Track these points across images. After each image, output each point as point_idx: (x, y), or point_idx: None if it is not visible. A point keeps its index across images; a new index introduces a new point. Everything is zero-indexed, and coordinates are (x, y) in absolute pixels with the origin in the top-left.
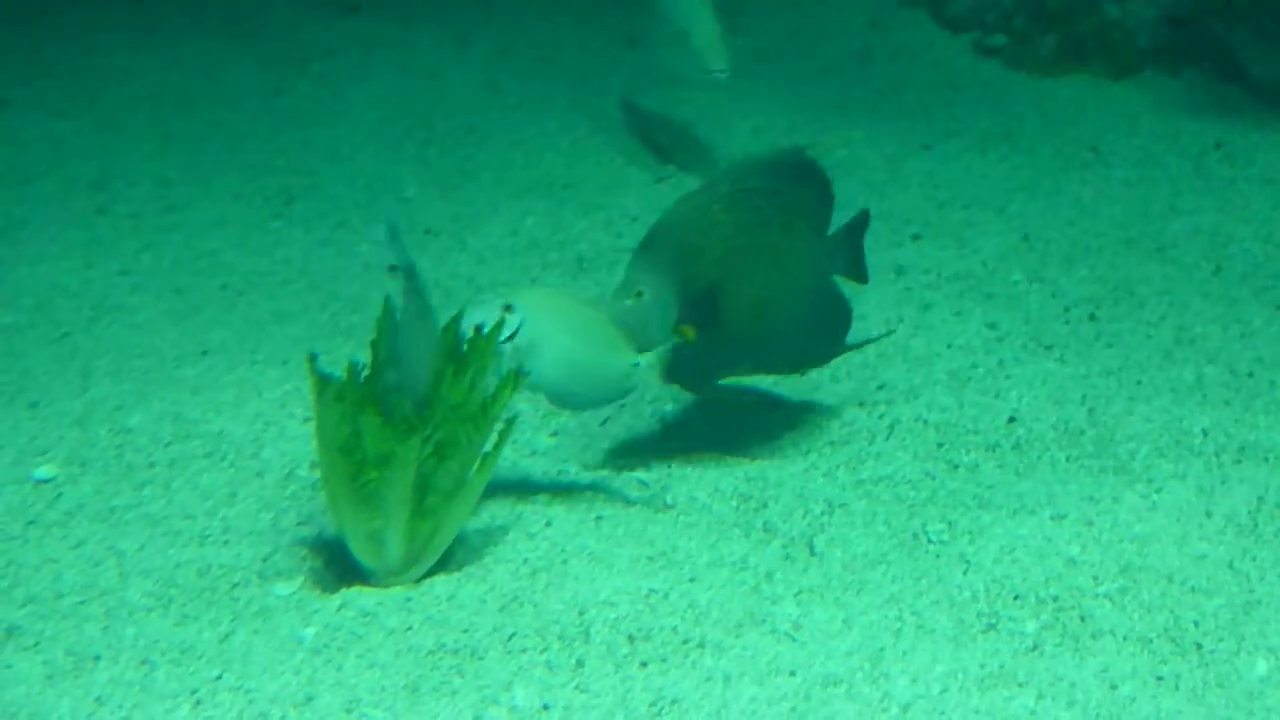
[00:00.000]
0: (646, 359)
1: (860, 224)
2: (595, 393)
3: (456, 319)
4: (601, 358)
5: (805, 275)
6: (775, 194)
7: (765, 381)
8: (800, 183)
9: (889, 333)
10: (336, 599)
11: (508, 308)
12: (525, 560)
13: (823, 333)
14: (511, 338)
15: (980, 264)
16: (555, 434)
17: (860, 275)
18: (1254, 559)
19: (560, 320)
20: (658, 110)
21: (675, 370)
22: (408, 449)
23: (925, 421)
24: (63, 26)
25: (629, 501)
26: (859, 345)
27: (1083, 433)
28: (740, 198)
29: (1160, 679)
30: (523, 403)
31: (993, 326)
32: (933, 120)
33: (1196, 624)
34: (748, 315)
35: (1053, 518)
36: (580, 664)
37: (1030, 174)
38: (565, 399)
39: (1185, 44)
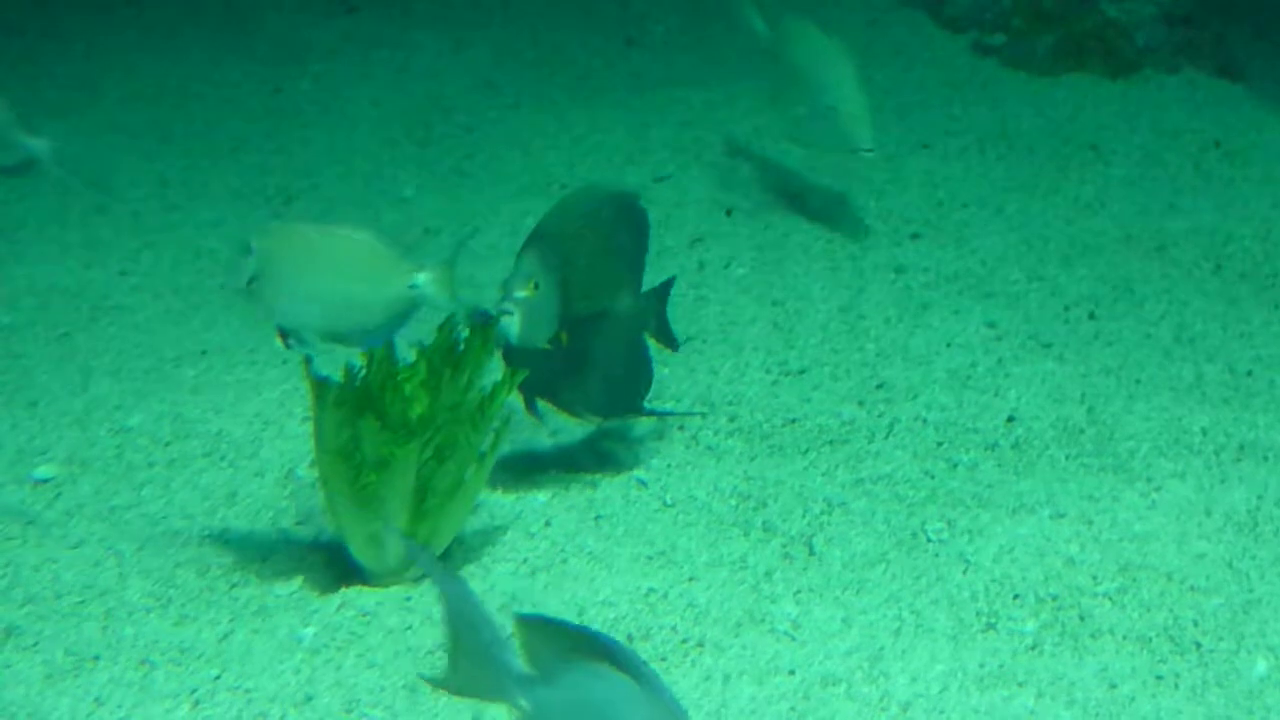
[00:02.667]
0: (425, 277)
1: (666, 290)
2: (368, 324)
3: (451, 319)
4: (361, 286)
5: (625, 320)
6: (613, 230)
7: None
8: (628, 227)
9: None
10: (336, 598)
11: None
12: (525, 560)
13: (627, 386)
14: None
15: (979, 263)
16: (554, 433)
17: (669, 342)
18: (1253, 558)
19: (304, 254)
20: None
21: (527, 384)
22: (407, 453)
23: (924, 420)
24: (62, 26)
25: (628, 500)
26: (657, 414)
27: (1082, 431)
28: (593, 220)
29: (1160, 678)
30: (518, 401)
31: (992, 325)
32: (931, 119)
33: (1196, 623)
34: (586, 337)
35: (1052, 517)
36: None
37: (1029, 173)
38: (336, 336)
39: (1184, 43)
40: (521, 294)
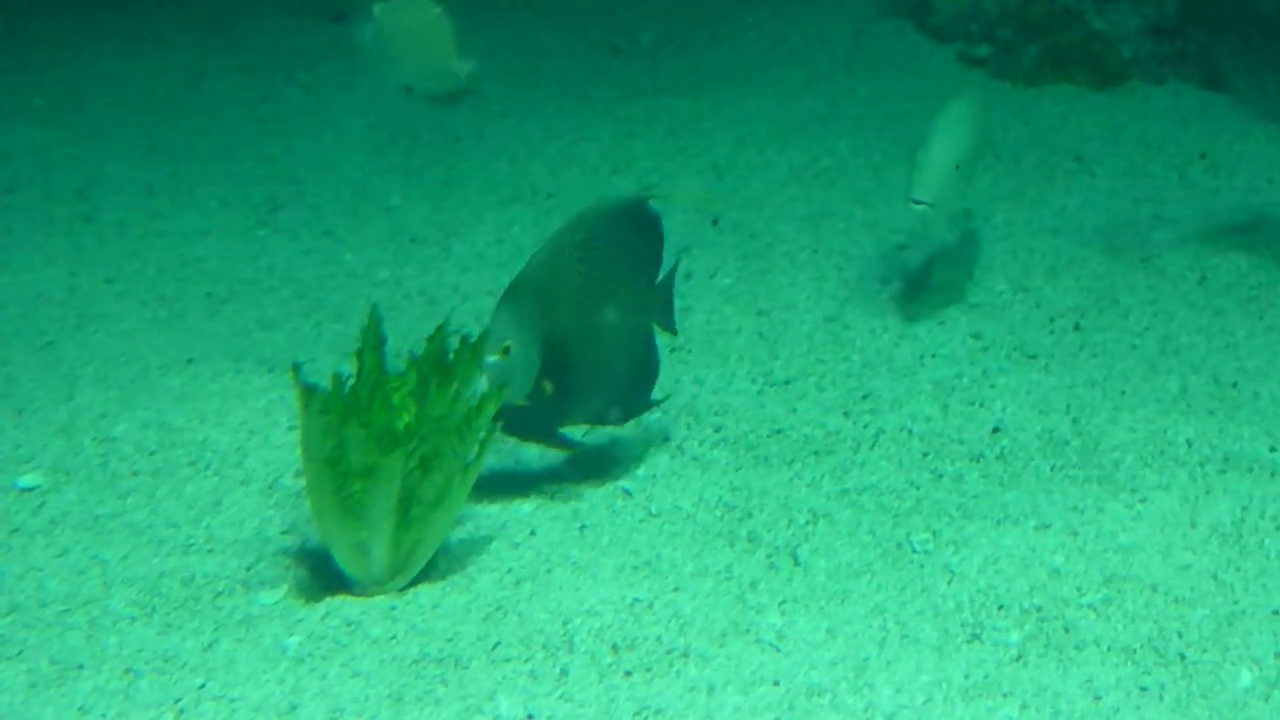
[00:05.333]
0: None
1: (672, 278)
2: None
3: (441, 329)
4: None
5: (637, 327)
6: (620, 245)
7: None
8: (639, 233)
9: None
10: (321, 608)
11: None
12: (509, 569)
13: (639, 386)
14: None
15: (965, 274)
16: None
17: (670, 326)
18: (1238, 569)
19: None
20: None
21: (514, 423)
22: (392, 462)
23: (910, 431)
24: (48, 34)
25: (613, 510)
26: (660, 402)
27: (1067, 443)
28: (591, 248)
29: (1144, 690)
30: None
31: (977, 336)
32: (918, 130)
33: (1180, 634)
34: (592, 367)
35: (1037, 528)
36: (564, 673)
37: (1015, 184)
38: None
39: (1170, 54)
40: (492, 359)
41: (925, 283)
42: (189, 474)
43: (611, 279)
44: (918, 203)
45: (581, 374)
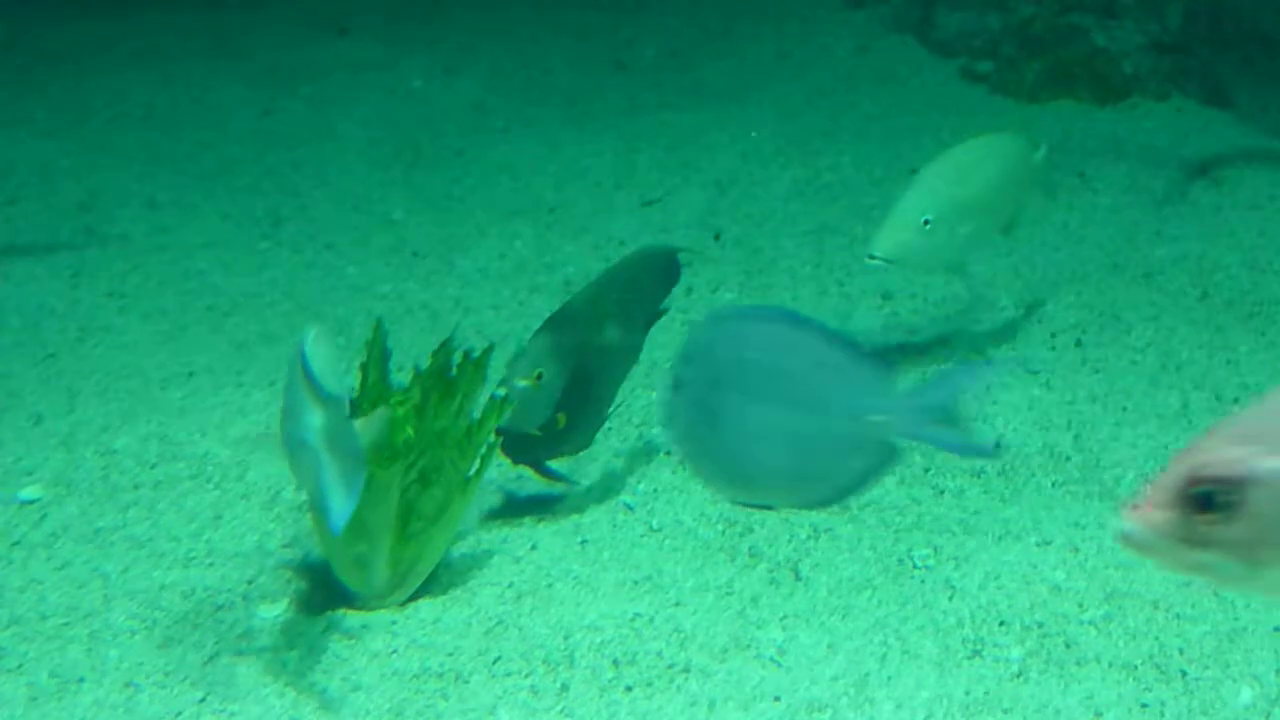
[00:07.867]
0: None
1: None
2: None
3: (446, 344)
4: None
5: (625, 369)
6: (646, 289)
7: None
8: (663, 279)
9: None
10: (321, 622)
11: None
12: (510, 584)
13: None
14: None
15: (966, 289)
16: None
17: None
18: None
19: None
20: None
21: (511, 447)
22: (390, 476)
23: (911, 446)
24: (51, 45)
25: (615, 525)
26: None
27: (1068, 458)
28: (627, 288)
29: (1145, 706)
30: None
31: (979, 351)
32: (920, 145)
33: (1181, 651)
34: (597, 404)
35: (1038, 543)
36: (565, 688)
37: None
38: None
39: (1172, 70)
40: (522, 384)
41: (927, 298)
42: (190, 487)
43: (631, 319)
44: (872, 258)
45: (587, 409)
